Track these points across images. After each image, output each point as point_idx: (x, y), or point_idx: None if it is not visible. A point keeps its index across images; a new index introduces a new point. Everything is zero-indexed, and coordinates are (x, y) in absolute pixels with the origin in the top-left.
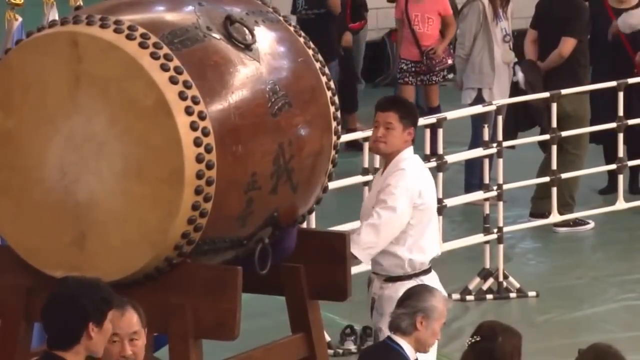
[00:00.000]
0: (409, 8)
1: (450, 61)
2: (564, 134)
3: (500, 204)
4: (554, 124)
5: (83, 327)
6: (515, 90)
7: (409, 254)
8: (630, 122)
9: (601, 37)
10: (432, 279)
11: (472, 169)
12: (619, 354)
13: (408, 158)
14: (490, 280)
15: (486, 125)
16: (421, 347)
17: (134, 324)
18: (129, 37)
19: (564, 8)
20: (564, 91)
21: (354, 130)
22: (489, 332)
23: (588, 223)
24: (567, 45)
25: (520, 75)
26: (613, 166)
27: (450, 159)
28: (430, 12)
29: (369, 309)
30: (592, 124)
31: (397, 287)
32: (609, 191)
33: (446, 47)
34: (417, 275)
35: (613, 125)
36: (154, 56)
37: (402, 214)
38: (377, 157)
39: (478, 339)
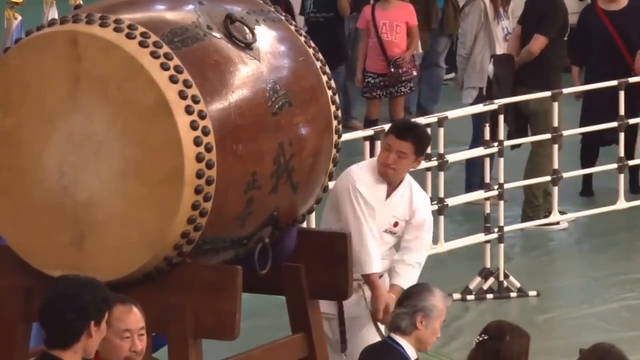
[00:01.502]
0: (376, 16)
1: (415, 72)
2: (566, 133)
3: (501, 203)
4: (555, 123)
5: (84, 325)
6: (489, 82)
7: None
8: (632, 121)
9: (595, 38)
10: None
11: (473, 168)
12: (622, 353)
13: (411, 179)
14: (491, 280)
15: (487, 125)
16: (422, 346)
17: (140, 320)
18: (129, 36)
19: (542, 5)
20: (565, 90)
21: None
22: (497, 331)
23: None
24: (537, 43)
25: (490, 68)
26: (614, 165)
27: (451, 158)
28: (399, 20)
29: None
30: (584, 125)
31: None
32: (586, 194)
33: (411, 58)
34: None
35: (614, 124)
36: (154, 55)
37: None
38: None
39: (486, 337)
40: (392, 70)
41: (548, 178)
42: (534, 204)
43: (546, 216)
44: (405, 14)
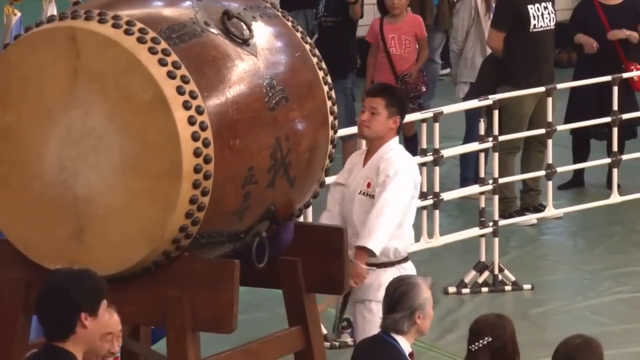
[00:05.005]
0: (384, 29)
1: (424, 88)
2: (560, 127)
3: (496, 197)
4: (549, 118)
5: (76, 317)
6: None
7: (394, 242)
8: (625, 116)
9: (589, 31)
10: (411, 268)
11: (467, 163)
12: (590, 344)
13: (393, 148)
14: (486, 274)
15: (482, 120)
16: (421, 334)
17: (119, 322)
18: (127, 32)
19: None
20: (559, 86)
21: None
22: (496, 329)
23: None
24: (489, 37)
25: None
26: (608, 160)
27: (446, 153)
28: (407, 33)
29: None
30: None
31: (378, 273)
32: (569, 186)
33: (420, 74)
34: (398, 262)
35: (608, 119)
36: (152, 51)
37: (405, 199)
38: None
39: (490, 339)
40: (401, 87)
41: (542, 172)
42: (504, 196)
43: (539, 209)
44: (414, 26)
